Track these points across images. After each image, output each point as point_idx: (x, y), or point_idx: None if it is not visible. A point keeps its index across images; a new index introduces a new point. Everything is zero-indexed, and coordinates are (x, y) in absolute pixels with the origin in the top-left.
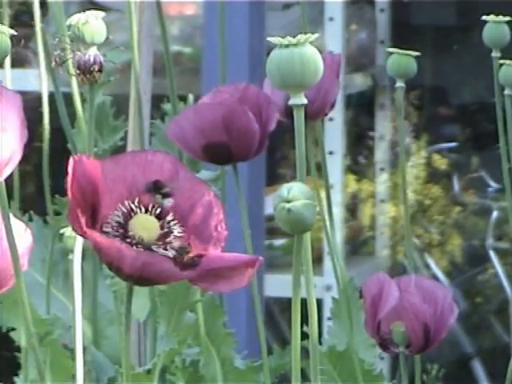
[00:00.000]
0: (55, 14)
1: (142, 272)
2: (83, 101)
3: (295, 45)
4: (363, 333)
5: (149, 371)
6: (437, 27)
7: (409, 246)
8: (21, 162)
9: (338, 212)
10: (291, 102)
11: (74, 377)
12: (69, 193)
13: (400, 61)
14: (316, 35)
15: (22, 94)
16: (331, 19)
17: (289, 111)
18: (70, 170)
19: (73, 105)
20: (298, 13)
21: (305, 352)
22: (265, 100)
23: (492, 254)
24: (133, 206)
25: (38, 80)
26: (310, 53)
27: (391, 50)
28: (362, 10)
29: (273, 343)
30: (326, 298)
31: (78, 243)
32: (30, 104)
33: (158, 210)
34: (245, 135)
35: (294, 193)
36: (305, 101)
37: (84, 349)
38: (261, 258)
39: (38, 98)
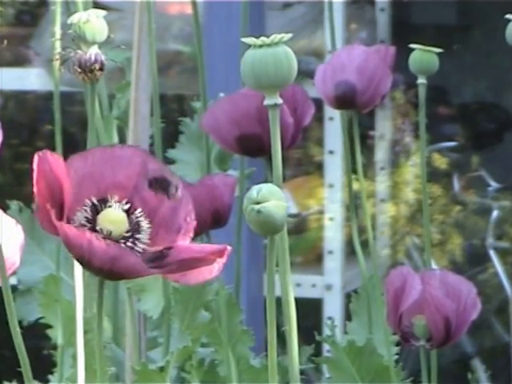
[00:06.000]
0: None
1: (111, 266)
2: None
3: (269, 45)
4: (382, 330)
5: (161, 369)
6: (437, 27)
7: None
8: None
9: (339, 211)
10: (266, 102)
11: (109, 377)
12: (35, 189)
13: (422, 57)
14: (289, 35)
15: (23, 93)
16: (328, 19)
17: (338, 101)
18: (35, 166)
19: (79, 104)
20: (297, 12)
21: (318, 348)
22: (301, 95)
23: (492, 253)
24: (101, 201)
25: (39, 79)
26: (283, 53)
27: (414, 46)
28: (362, 10)
29: None
30: (327, 297)
31: None
32: (31, 104)
33: (127, 206)
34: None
35: (264, 194)
36: (279, 101)
37: (104, 345)
38: (229, 247)
39: (38, 97)
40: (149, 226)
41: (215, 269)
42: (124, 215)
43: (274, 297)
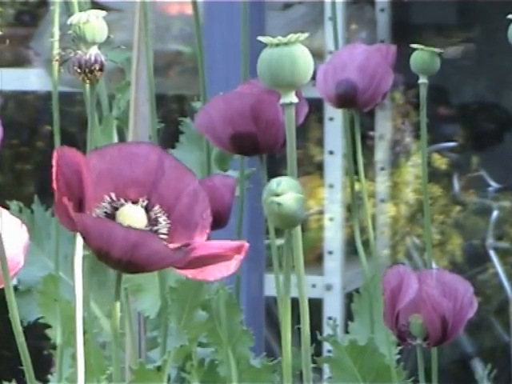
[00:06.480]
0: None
1: (132, 255)
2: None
3: (285, 44)
4: (384, 330)
5: (159, 368)
6: (437, 27)
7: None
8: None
9: (339, 211)
10: (282, 101)
11: (108, 376)
12: (54, 184)
13: (424, 57)
14: (306, 34)
15: (22, 93)
16: (331, 19)
17: (340, 100)
18: (54, 162)
19: (78, 104)
20: (298, 12)
21: (319, 348)
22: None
23: (492, 253)
24: (120, 197)
25: (39, 80)
26: (300, 52)
27: (415, 46)
28: (362, 10)
29: (272, 342)
30: (327, 297)
31: (79, 243)
32: (30, 104)
33: (145, 203)
34: (272, 126)
35: (283, 186)
36: (295, 100)
37: (104, 345)
38: (247, 243)
39: (38, 97)
40: (167, 222)
41: (233, 265)
42: (143, 211)
43: (289, 293)
